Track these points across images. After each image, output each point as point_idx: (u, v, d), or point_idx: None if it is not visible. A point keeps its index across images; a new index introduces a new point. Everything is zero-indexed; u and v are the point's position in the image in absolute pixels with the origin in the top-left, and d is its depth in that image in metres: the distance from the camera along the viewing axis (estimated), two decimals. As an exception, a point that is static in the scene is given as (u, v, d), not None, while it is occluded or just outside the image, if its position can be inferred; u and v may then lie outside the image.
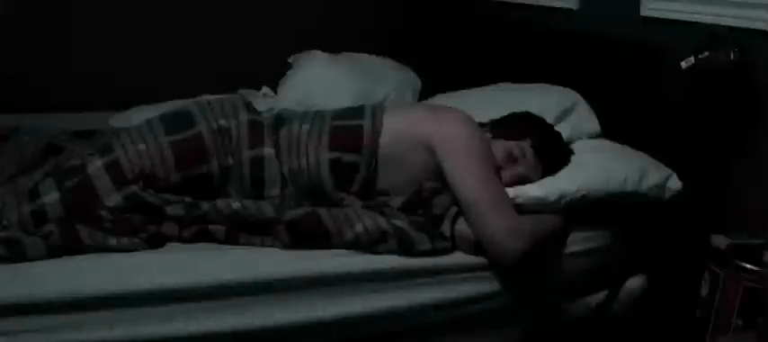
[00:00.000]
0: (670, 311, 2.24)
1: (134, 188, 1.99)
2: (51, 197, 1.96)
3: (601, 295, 2.27)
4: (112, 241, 1.89)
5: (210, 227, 2.00)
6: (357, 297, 1.96)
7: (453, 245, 2.09)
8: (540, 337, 2.23)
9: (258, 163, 2.14)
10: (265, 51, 3.48)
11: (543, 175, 2.24)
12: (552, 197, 2.15)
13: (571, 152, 2.35)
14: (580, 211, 2.21)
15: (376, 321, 1.98)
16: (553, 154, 2.29)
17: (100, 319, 1.76)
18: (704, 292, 2.05)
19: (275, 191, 2.14)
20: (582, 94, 2.60)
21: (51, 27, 3.18)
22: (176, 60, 3.37)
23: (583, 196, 2.18)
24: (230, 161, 2.11)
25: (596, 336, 2.27)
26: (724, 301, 1.98)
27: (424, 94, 3.21)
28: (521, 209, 2.12)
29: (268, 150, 2.15)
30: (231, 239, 2.00)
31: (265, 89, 3.38)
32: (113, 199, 1.98)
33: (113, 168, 2.01)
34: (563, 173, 2.25)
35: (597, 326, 2.26)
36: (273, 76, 3.32)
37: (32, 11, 3.17)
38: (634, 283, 2.28)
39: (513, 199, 2.12)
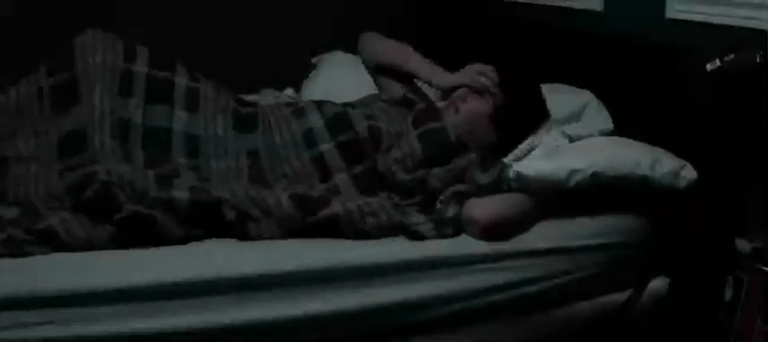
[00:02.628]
0: (693, 314, 2.23)
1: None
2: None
3: (624, 294, 2.26)
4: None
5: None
6: (379, 288, 1.98)
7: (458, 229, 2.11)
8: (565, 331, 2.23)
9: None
10: (289, 52, 3.49)
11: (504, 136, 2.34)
12: (562, 174, 2.16)
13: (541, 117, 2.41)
14: (593, 194, 2.20)
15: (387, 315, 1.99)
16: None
17: (115, 312, 1.78)
18: (728, 295, 2.05)
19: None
20: (606, 96, 2.59)
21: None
22: (200, 62, 3.39)
23: (593, 174, 2.18)
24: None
25: (620, 336, 2.27)
26: (747, 305, 1.97)
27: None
28: (528, 183, 2.14)
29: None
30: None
31: (289, 90, 3.39)
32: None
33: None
34: (573, 151, 2.26)
35: (621, 325, 2.26)
36: (297, 76, 3.33)
37: (62, 24, 3.20)
38: (657, 284, 2.28)
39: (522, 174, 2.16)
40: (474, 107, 2.37)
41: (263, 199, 2.05)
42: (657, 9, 2.63)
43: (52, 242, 1.84)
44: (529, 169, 2.19)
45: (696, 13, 2.51)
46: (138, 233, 1.92)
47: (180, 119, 2.21)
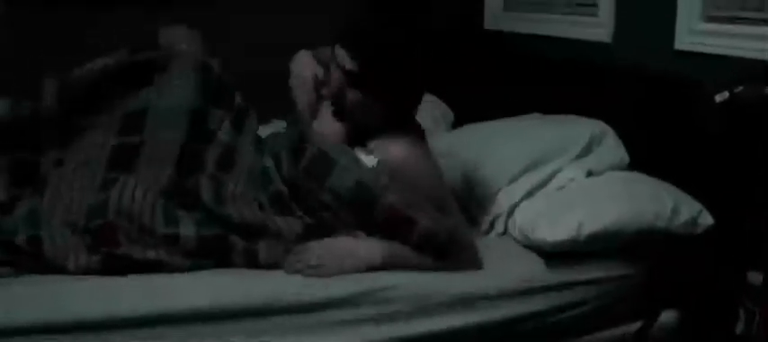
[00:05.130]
0: (704, 347, 2.22)
1: None
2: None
3: (635, 326, 2.25)
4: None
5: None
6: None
7: None
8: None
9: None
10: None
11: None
12: (581, 238, 2.14)
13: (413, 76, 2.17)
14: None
15: None
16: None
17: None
18: (739, 328, 2.03)
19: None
20: (614, 128, 2.59)
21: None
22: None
23: (612, 234, 2.17)
24: None
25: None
26: (759, 337, 1.95)
27: (456, 126, 3.22)
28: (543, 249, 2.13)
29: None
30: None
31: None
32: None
33: None
34: (590, 200, 2.22)
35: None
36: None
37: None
38: (668, 316, 2.27)
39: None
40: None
41: (266, 224, 2.05)
42: (666, 41, 2.64)
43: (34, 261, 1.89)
44: (543, 232, 2.17)
45: (705, 44, 2.52)
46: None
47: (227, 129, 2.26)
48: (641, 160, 2.52)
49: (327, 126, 2.14)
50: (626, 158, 2.53)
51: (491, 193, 2.43)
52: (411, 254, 2.05)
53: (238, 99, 2.35)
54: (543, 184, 2.42)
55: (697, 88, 2.41)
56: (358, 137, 2.13)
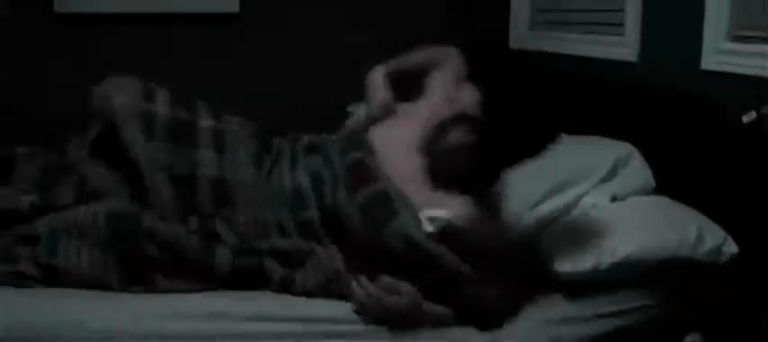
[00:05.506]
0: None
1: None
2: None
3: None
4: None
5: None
6: None
7: None
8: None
9: None
10: (326, 100, 3.53)
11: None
12: (602, 268, 2.13)
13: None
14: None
15: None
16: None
17: None
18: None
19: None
20: (639, 148, 2.59)
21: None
22: (247, 106, 3.43)
23: (634, 264, 2.16)
24: None
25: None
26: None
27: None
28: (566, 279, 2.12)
29: None
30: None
31: (325, 137, 3.42)
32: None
33: None
34: (611, 239, 2.18)
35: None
36: (333, 124, 3.36)
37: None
38: (692, 340, 2.25)
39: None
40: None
41: (307, 251, 2.02)
42: (693, 60, 2.63)
43: (56, 279, 1.89)
44: (563, 263, 2.14)
45: (732, 64, 2.50)
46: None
47: (208, 162, 2.12)
48: (666, 182, 2.51)
49: (395, 134, 2.12)
50: (651, 182, 2.52)
51: (514, 219, 2.42)
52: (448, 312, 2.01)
53: (207, 119, 2.26)
54: (566, 209, 2.41)
55: (724, 108, 2.40)
56: (433, 173, 2.09)
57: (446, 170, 2.07)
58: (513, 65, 2.15)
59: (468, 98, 2.02)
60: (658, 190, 2.52)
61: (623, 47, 2.99)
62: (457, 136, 2.02)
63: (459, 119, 2.01)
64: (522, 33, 3.68)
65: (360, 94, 3.46)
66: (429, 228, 1.95)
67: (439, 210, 1.97)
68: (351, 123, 2.45)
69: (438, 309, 1.97)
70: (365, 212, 1.97)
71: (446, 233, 1.95)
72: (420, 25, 3.72)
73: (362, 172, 2.03)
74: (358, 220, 1.97)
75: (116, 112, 2.09)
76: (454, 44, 3.72)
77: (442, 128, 2.03)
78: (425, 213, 1.97)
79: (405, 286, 1.92)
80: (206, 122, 2.19)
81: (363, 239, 1.97)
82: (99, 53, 3.30)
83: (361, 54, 3.65)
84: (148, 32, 3.37)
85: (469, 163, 2.05)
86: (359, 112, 3.01)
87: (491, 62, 2.11)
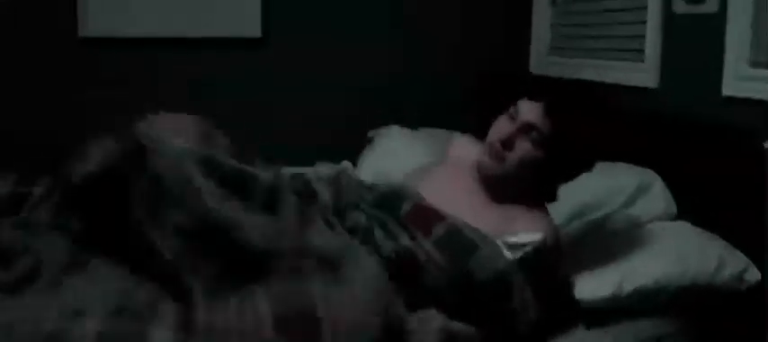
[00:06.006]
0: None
1: None
2: None
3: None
4: None
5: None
6: None
7: None
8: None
9: None
10: (346, 125, 3.54)
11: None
12: (622, 294, 2.12)
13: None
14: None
15: None
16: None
17: None
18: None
19: None
20: (660, 175, 2.58)
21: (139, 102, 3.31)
22: (257, 134, 3.46)
23: (654, 291, 2.15)
24: None
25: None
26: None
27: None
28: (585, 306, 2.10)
29: None
30: None
31: (345, 163, 3.43)
32: None
33: None
34: (631, 265, 2.18)
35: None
36: (353, 150, 3.38)
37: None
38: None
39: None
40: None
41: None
42: (713, 86, 2.63)
43: None
44: (583, 289, 2.12)
45: (753, 90, 2.50)
46: None
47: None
48: (688, 208, 2.50)
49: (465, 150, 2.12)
50: (673, 208, 2.51)
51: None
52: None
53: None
54: (587, 234, 2.40)
55: (745, 135, 2.39)
56: (491, 188, 2.06)
57: (513, 183, 2.04)
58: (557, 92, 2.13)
59: (530, 109, 2.01)
60: (680, 216, 2.51)
61: (644, 73, 2.99)
62: (524, 147, 2.00)
63: (526, 128, 1.99)
64: (543, 59, 3.69)
65: (381, 119, 3.48)
66: (511, 256, 1.90)
67: (516, 236, 1.95)
68: (319, 171, 2.28)
69: (464, 329, 1.84)
70: (443, 251, 1.86)
71: (530, 259, 1.92)
72: (441, 51, 3.74)
73: (424, 215, 1.93)
74: (438, 259, 1.84)
75: (175, 156, 1.73)
76: (474, 69, 3.74)
77: (508, 141, 2.00)
78: (505, 240, 1.93)
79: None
80: (265, 176, 1.86)
81: (445, 280, 1.84)
82: (122, 76, 3.33)
83: (383, 80, 3.68)
84: (171, 56, 3.40)
85: (535, 176, 2.03)
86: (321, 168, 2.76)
87: (539, 89, 2.09)
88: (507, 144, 1.99)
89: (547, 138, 1.97)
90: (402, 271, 1.82)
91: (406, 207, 1.97)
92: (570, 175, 2.11)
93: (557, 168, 2.04)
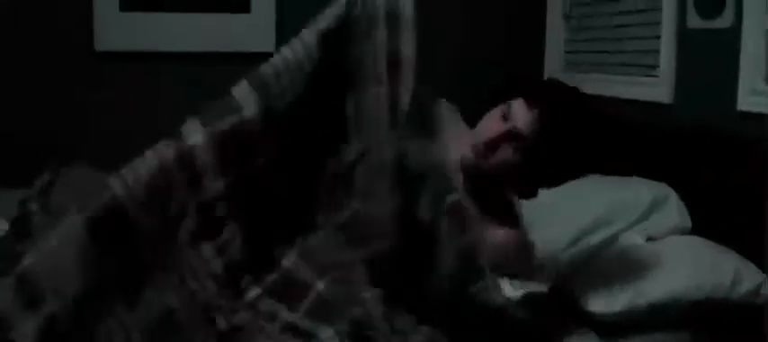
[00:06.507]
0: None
1: None
2: None
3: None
4: None
5: None
6: None
7: None
8: None
9: None
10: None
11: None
12: (637, 308, 2.11)
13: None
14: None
15: None
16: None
17: None
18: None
19: None
20: (675, 190, 2.57)
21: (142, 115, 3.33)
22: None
23: (669, 305, 2.14)
24: None
25: None
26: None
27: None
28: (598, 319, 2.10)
29: None
30: None
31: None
32: None
33: None
34: (647, 279, 2.16)
35: None
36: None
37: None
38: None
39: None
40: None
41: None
42: (728, 101, 2.62)
43: None
44: (598, 303, 2.11)
45: (768, 105, 2.50)
46: None
47: None
48: (703, 223, 2.49)
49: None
50: (688, 223, 2.50)
51: (548, 256, 2.40)
52: None
53: None
54: (601, 248, 2.39)
55: (761, 150, 2.38)
56: (470, 181, 1.99)
57: (492, 181, 1.99)
58: (561, 93, 2.02)
59: (523, 115, 1.93)
60: (695, 231, 2.50)
61: (658, 88, 2.98)
62: (507, 153, 1.93)
63: (512, 136, 1.92)
64: (557, 74, 3.69)
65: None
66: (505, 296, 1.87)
67: (515, 288, 1.93)
68: None
69: None
70: (459, 264, 1.77)
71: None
72: (455, 65, 3.74)
73: (461, 215, 1.82)
74: (449, 267, 1.76)
75: None
76: (488, 85, 3.75)
77: (492, 144, 1.94)
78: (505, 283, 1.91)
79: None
80: None
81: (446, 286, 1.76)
82: (138, 91, 3.35)
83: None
84: (185, 71, 3.42)
85: (514, 179, 1.98)
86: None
87: (541, 89, 2.02)
88: (491, 147, 1.94)
89: (531, 148, 1.91)
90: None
91: (450, 199, 1.83)
92: (553, 182, 2.05)
93: (537, 174, 1.98)
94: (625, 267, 2.23)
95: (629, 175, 2.71)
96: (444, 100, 2.25)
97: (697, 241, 2.41)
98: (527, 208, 2.59)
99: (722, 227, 2.44)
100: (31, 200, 2.11)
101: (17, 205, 2.13)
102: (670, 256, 2.27)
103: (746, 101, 2.57)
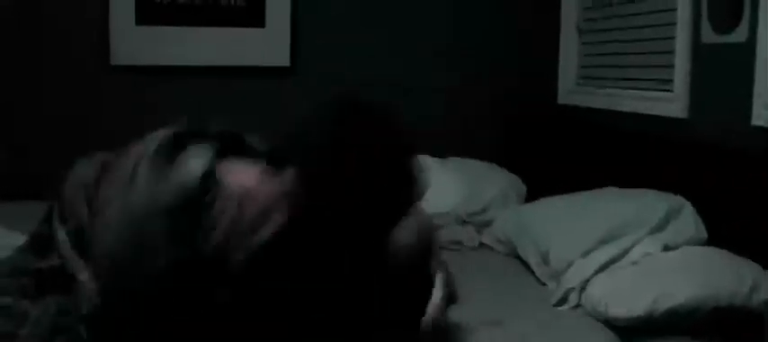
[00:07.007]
0: None
1: None
2: None
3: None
4: None
5: None
6: None
7: None
8: None
9: None
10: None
11: None
12: (657, 314, 2.11)
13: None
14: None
15: None
16: None
17: None
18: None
19: None
20: (691, 203, 2.57)
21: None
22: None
23: (689, 311, 2.14)
24: None
25: None
26: None
27: (529, 200, 3.22)
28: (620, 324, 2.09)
29: None
30: None
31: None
32: None
33: None
34: (666, 285, 2.17)
35: None
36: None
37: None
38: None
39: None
40: None
41: None
42: (743, 116, 2.61)
43: None
44: (618, 308, 2.13)
45: (783, 120, 2.49)
46: None
47: None
48: (718, 236, 2.48)
49: None
50: (704, 233, 2.50)
51: (564, 265, 2.41)
52: None
53: None
54: (619, 257, 2.40)
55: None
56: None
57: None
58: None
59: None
60: (710, 244, 2.49)
61: (673, 103, 2.98)
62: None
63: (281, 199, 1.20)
64: (571, 89, 3.69)
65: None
66: None
67: None
68: None
69: None
70: None
71: None
72: (469, 83, 3.75)
73: None
74: None
75: None
76: (502, 100, 3.75)
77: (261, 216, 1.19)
78: None
79: None
80: None
81: None
82: (154, 105, 3.37)
83: (407, 108, 3.69)
84: (201, 85, 3.44)
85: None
86: None
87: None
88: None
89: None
90: None
91: None
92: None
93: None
94: (643, 275, 2.23)
95: (646, 187, 2.71)
96: None
97: (714, 251, 2.41)
98: (543, 217, 2.60)
99: (737, 240, 2.43)
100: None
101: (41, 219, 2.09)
102: (689, 264, 2.28)
103: (761, 115, 2.56)
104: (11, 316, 1.29)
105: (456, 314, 2.20)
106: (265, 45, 3.50)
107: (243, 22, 3.49)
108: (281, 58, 3.52)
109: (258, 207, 1.17)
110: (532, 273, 2.63)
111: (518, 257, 2.76)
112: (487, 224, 3.09)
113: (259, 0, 3.48)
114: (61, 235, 1.37)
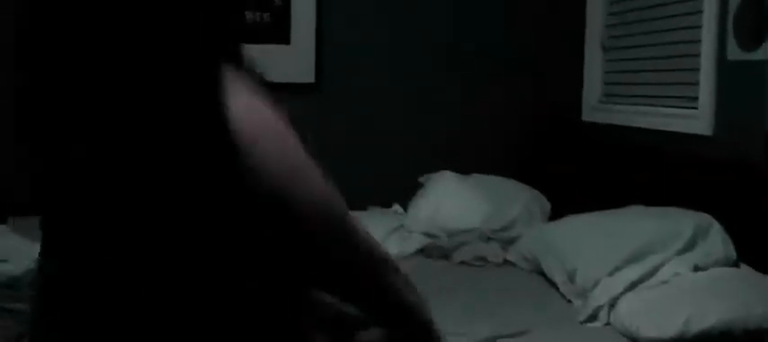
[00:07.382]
0: None
1: None
2: None
3: None
4: None
5: None
6: None
7: None
8: None
9: None
10: (398, 170, 3.57)
11: None
12: (688, 336, 2.11)
13: None
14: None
15: None
16: None
17: None
18: None
19: None
20: (717, 220, 2.56)
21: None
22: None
23: (720, 333, 2.14)
24: None
25: None
26: None
27: (553, 217, 3.22)
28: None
29: None
30: None
31: (396, 206, 3.46)
32: None
33: None
34: (697, 307, 2.16)
35: None
36: (404, 194, 3.40)
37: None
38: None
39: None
40: None
41: None
42: (769, 133, 2.61)
43: None
44: (649, 329, 2.12)
45: (809, 137, 2.47)
46: None
47: None
48: (745, 253, 2.47)
49: None
50: (733, 253, 2.48)
51: (591, 283, 2.41)
52: None
53: None
54: (647, 276, 2.39)
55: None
56: None
57: None
58: None
59: None
60: (740, 262, 2.48)
61: (697, 120, 2.97)
62: None
63: None
64: (595, 106, 3.69)
65: (434, 164, 3.50)
66: None
67: None
68: None
69: None
70: None
71: None
72: (492, 99, 3.75)
73: None
74: None
75: None
76: (527, 116, 3.76)
77: None
78: None
79: None
80: None
81: None
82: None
83: (432, 124, 3.71)
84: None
85: None
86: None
87: None
88: None
89: None
90: None
91: None
92: None
93: None
94: (674, 296, 2.23)
95: (671, 205, 2.70)
96: None
97: (745, 272, 2.40)
98: (569, 234, 2.59)
99: (763, 258, 2.42)
100: None
101: None
102: (720, 285, 2.27)
103: (788, 133, 2.56)
104: (25, 321, 1.35)
105: (480, 327, 2.21)
106: (291, 62, 3.53)
107: (268, 39, 3.51)
108: (307, 74, 3.54)
109: None
110: (558, 290, 2.62)
111: (542, 275, 2.76)
112: (512, 241, 3.09)
113: (285, 17, 3.51)
114: None
